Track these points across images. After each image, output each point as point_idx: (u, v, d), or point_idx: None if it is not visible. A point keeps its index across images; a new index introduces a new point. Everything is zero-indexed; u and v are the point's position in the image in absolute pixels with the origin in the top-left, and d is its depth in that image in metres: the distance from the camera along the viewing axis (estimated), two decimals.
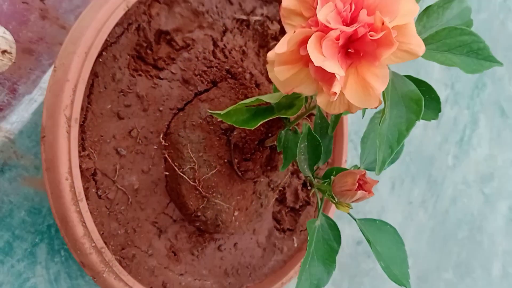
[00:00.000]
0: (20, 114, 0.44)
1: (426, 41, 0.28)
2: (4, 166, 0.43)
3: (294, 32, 0.25)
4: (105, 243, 0.33)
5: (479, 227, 1.12)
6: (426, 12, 0.30)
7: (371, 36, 0.23)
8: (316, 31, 0.24)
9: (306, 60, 0.25)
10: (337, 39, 0.23)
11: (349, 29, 0.23)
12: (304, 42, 0.25)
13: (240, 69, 0.41)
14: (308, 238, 0.30)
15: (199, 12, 0.40)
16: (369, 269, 0.84)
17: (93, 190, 0.34)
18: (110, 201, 0.35)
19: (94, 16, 0.32)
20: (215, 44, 0.41)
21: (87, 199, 0.33)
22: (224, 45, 0.42)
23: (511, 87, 1.22)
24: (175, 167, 0.37)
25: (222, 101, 0.39)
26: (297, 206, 0.48)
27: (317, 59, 0.23)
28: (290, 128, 0.35)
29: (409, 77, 0.28)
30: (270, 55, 0.27)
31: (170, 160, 0.37)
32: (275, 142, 0.38)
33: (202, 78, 0.40)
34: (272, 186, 0.43)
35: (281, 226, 0.48)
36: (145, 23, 0.37)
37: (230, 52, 0.42)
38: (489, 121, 1.14)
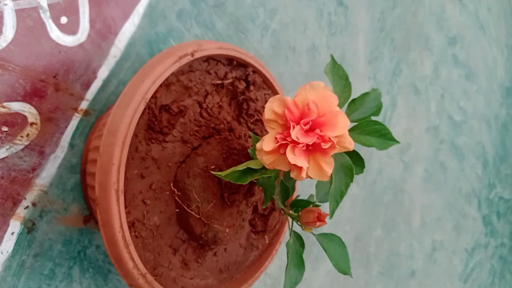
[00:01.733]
0: (49, 170, 0.56)
1: (354, 128, 0.44)
2: (42, 212, 0.55)
3: (276, 138, 0.40)
4: (145, 268, 0.48)
5: (401, 190, 1.32)
6: (353, 101, 0.46)
7: (323, 146, 0.38)
8: (290, 142, 0.39)
9: (284, 153, 0.40)
10: (303, 147, 0.39)
11: (310, 142, 0.38)
12: (282, 145, 0.40)
13: (221, 125, 0.55)
14: (287, 253, 0.47)
15: (188, 86, 0.53)
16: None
17: (133, 234, 0.48)
18: (143, 238, 0.49)
19: (124, 113, 0.45)
20: (200, 106, 0.55)
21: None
22: (207, 105, 0.56)
23: (422, 67, 1.42)
24: (184, 207, 0.51)
25: (213, 153, 0.53)
26: (266, 213, 0.65)
27: (292, 159, 0.39)
28: None
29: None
30: (259, 146, 0.42)
31: (179, 201, 0.51)
32: (253, 180, 0.53)
33: (195, 137, 0.53)
34: (249, 204, 0.59)
35: (256, 229, 0.64)
36: (152, 104, 0.50)
37: (211, 110, 0.56)
38: (405, 100, 1.33)
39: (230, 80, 0.58)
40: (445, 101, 1.46)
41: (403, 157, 1.31)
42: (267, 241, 0.64)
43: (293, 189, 0.51)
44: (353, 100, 0.45)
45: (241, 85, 0.59)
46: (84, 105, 0.59)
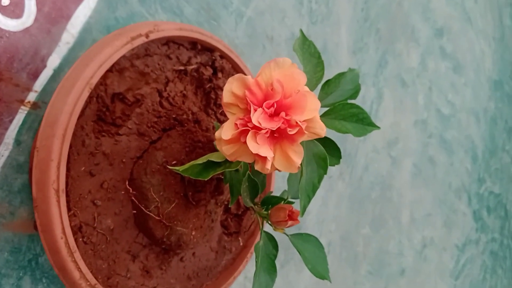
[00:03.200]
0: None
1: (327, 113, 0.38)
2: None
3: (236, 124, 0.34)
4: (96, 278, 0.42)
5: (389, 185, 1.28)
6: (327, 83, 0.40)
7: (289, 132, 0.33)
8: (252, 128, 0.33)
9: (245, 142, 0.35)
10: (266, 133, 0.33)
11: (274, 127, 0.33)
12: (242, 132, 0.34)
13: (184, 116, 0.50)
14: (255, 257, 0.41)
15: (144, 72, 0.47)
16: None
17: (80, 239, 0.42)
18: (93, 244, 0.43)
19: (65, 101, 0.39)
20: (160, 95, 0.49)
21: (77, 248, 0.41)
22: (168, 93, 0.50)
23: (409, 59, 1.38)
24: (142, 208, 0.45)
25: (174, 147, 0.47)
26: (240, 212, 0.59)
27: (253, 148, 0.33)
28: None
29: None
30: (218, 135, 0.36)
31: (136, 202, 0.46)
32: (221, 175, 0.48)
33: (154, 129, 0.48)
34: (219, 203, 0.53)
35: (228, 231, 0.58)
36: (102, 92, 0.44)
37: (173, 99, 0.50)
38: (392, 93, 1.29)
39: (194, 66, 0.52)
40: (433, 94, 1.42)
41: (391, 151, 1.27)
42: (241, 244, 0.59)
43: (264, 185, 0.45)
44: (327, 81, 0.40)
45: (207, 72, 0.53)
46: (32, 97, 0.52)
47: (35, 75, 0.53)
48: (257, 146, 0.33)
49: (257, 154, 0.33)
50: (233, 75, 0.55)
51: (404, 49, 1.32)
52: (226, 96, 0.35)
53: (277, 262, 0.45)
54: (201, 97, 0.54)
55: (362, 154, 1.17)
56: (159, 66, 0.49)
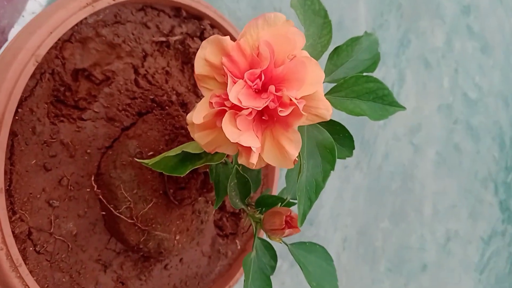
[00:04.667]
0: None
1: (335, 89, 0.29)
2: None
3: (211, 103, 0.25)
4: None
5: (411, 176, 1.20)
6: (336, 51, 0.31)
7: (280, 113, 0.24)
8: (229, 108, 0.24)
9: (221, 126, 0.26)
10: (250, 114, 0.24)
11: (260, 106, 0.24)
12: (219, 113, 0.25)
13: (164, 97, 0.41)
14: (244, 274, 0.33)
15: (115, 44, 0.39)
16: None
17: (31, 248, 0.34)
18: (50, 253, 0.35)
19: (4, 78, 0.31)
20: (136, 72, 0.41)
21: (25, 259, 0.33)
22: (146, 70, 0.41)
23: (434, 39, 1.28)
24: (111, 209, 0.37)
25: (151, 134, 0.39)
26: (237, 211, 0.50)
27: (232, 136, 0.24)
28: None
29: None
30: (189, 118, 0.28)
31: (105, 202, 0.37)
32: (208, 169, 0.39)
33: (127, 112, 0.39)
34: (210, 201, 0.45)
35: (224, 232, 0.50)
36: (59, 67, 0.36)
37: (153, 76, 0.42)
38: (415, 75, 1.20)
39: (178, 37, 0.43)
40: (459, 77, 1.33)
41: (413, 139, 1.19)
42: (238, 247, 0.50)
43: (258, 181, 0.37)
44: (337, 49, 0.31)
45: (195, 44, 0.44)
46: None
47: None
48: (237, 132, 0.24)
49: (238, 144, 0.24)
50: None
51: (428, 27, 1.23)
52: (199, 66, 0.26)
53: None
54: (189, 75, 0.45)
55: (382, 142, 1.09)
56: (133, 36, 0.40)
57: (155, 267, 0.44)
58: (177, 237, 0.41)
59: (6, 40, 0.46)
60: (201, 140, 0.27)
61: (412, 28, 1.18)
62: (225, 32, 0.46)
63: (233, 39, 0.46)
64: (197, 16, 0.44)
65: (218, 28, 0.46)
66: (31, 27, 0.33)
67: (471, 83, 1.39)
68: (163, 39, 0.42)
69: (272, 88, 0.24)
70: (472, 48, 1.41)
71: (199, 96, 0.46)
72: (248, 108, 0.24)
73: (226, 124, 0.24)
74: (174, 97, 0.43)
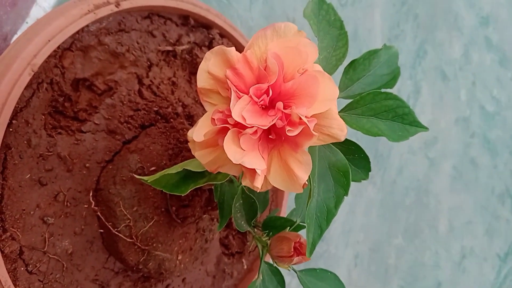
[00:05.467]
0: None
1: (351, 106, 0.27)
2: None
3: (213, 119, 0.23)
4: None
5: (425, 190, 1.17)
6: (352, 65, 0.29)
7: (289, 132, 0.22)
8: (233, 125, 0.22)
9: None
10: (255, 133, 0.22)
11: (266, 125, 0.22)
12: (222, 131, 0.23)
13: (169, 109, 0.39)
14: None
15: (118, 52, 0.37)
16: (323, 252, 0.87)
17: (22, 268, 0.32)
18: (43, 273, 0.33)
19: None
20: (140, 82, 0.39)
21: (15, 280, 0.31)
22: (151, 80, 0.39)
23: (451, 50, 1.25)
24: (109, 226, 0.35)
25: (153, 149, 0.37)
26: None
27: (235, 156, 0.22)
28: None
29: None
30: (189, 134, 0.26)
31: (103, 219, 0.35)
32: (212, 186, 0.37)
33: (129, 125, 0.37)
34: (215, 218, 0.43)
35: (230, 251, 0.47)
36: (58, 76, 0.34)
37: (158, 87, 0.40)
38: (431, 87, 1.18)
39: (186, 47, 0.41)
40: (477, 89, 1.30)
41: (428, 152, 1.16)
42: (245, 267, 0.48)
43: (266, 202, 0.34)
44: (353, 62, 0.28)
45: (203, 54, 0.42)
46: None
47: None
48: (241, 152, 0.22)
49: (241, 165, 0.22)
50: None
51: (445, 38, 1.20)
52: (202, 79, 0.24)
53: None
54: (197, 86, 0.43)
55: (396, 155, 1.06)
56: (138, 45, 0.38)
57: None
58: (179, 257, 0.39)
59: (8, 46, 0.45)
60: (203, 159, 0.25)
61: (429, 39, 1.16)
62: (235, 42, 0.44)
63: (241, 48, 0.44)
64: (206, 25, 0.42)
65: (227, 37, 0.44)
66: (28, 35, 0.31)
67: (488, 96, 1.37)
68: (170, 48, 0.40)
69: (280, 105, 0.22)
70: (491, 60, 1.39)
71: None
72: (253, 127, 0.22)
73: (229, 143, 0.22)
74: (180, 109, 0.41)
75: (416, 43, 1.11)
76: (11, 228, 0.31)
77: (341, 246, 0.93)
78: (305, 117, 0.21)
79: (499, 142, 1.41)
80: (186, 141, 0.38)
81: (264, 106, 0.23)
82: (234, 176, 0.35)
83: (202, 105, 0.44)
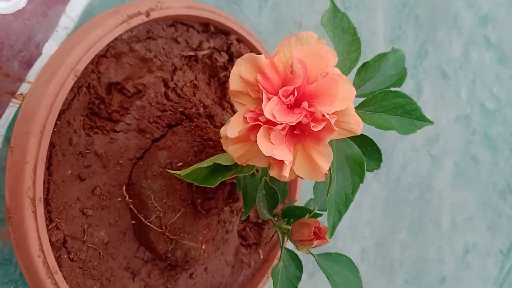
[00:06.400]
0: None
1: (364, 103, 0.30)
2: None
3: (245, 118, 0.26)
4: None
5: (428, 187, 1.20)
6: (364, 67, 0.32)
7: (313, 128, 0.25)
8: (264, 123, 0.25)
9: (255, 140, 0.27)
10: (283, 129, 0.25)
11: (294, 122, 0.25)
12: (253, 128, 0.27)
13: (193, 110, 0.42)
14: (273, 283, 0.33)
15: (147, 58, 0.40)
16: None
17: (65, 256, 0.35)
18: (83, 261, 0.36)
19: (44, 92, 0.32)
20: (166, 85, 0.42)
21: (60, 267, 0.34)
22: (175, 83, 0.43)
23: (451, 49, 1.28)
24: (141, 218, 0.38)
25: (180, 146, 0.40)
26: (260, 221, 0.51)
27: (266, 149, 0.25)
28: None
29: None
30: (223, 131, 0.29)
31: (135, 211, 0.39)
32: (235, 180, 0.40)
33: (157, 124, 0.41)
34: (235, 211, 0.46)
35: (247, 242, 0.51)
36: (94, 80, 0.37)
37: (182, 90, 0.43)
38: (432, 86, 1.20)
39: (206, 52, 0.44)
40: (477, 87, 1.32)
41: (431, 150, 1.18)
42: (261, 257, 0.51)
43: (285, 193, 0.37)
44: (365, 64, 0.32)
45: (222, 58, 0.46)
46: (24, 88, 0.46)
47: (28, 64, 0.47)
48: (271, 146, 0.25)
49: (271, 157, 0.25)
50: None
51: (445, 38, 1.23)
52: (234, 82, 0.27)
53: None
54: (215, 88, 0.47)
55: (400, 153, 1.08)
56: (164, 51, 0.42)
57: (181, 276, 0.45)
58: (203, 246, 0.42)
59: (41, 54, 0.48)
60: (235, 153, 0.28)
61: (430, 39, 1.18)
62: (250, 47, 0.47)
63: (258, 52, 0.47)
64: (224, 31, 0.46)
65: (244, 42, 0.47)
66: (69, 43, 0.34)
67: (488, 94, 1.38)
68: (192, 53, 0.44)
69: (305, 104, 0.25)
70: (490, 58, 1.40)
71: (224, 108, 0.48)
72: (282, 123, 0.25)
73: (261, 138, 0.25)
74: (201, 110, 0.44)
75: (417, 43, 1.13)
76: (56, 219, 0.34)
77: (348, 241, 0.96)
78: (328, 114, 0.25)
79: (499, 139, 1.42)
80: (209, 139, 0.42)
81: (290, 105, 0.26)
82: (255, 172, 0.39)
83: (220, 106, 0.47)
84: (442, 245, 1.26)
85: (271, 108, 0.25)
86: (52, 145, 0.34)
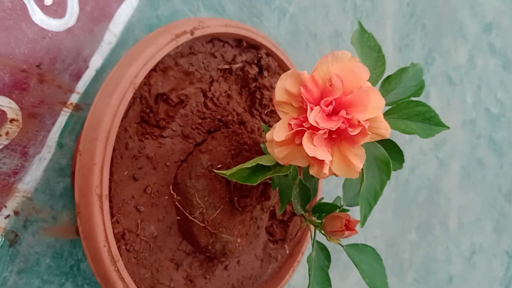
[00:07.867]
0: (33, 174, 0.49)
1: (389, 111, 0.35)
2: (26, 222, 0.48)
3: (290, 124, 0.31)
4: None
5: (436, 189, 1.23)
6: (387, 79, 0.37)
7: (351, 132, 0.29)
8: (308, 128, 0.30)
9: (300, 144, 0.32)
10: (325, 135, 0.30)
11: (334, 127, 0.30)
12: (297, 133, 0.31)
13: (229, 117, 0.47)
14: (308, 270, 0.38)
15: (189, 71, 0.45)
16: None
17: (124, 247, 0.40)
18: (136, 252, 0.41)
19: (108, 103, 0.37)
20: (205, 95, 0.47)
21: (120, 256, 0.39)
22: (213, 94, 0.47)
23: (456, 56, 1.32)
24: (186, 214, 0.43)
25: (219, 149, 0.45)
26: (285, 218, 0.56)
27: (310, 151, 0.30)
28: None
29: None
30: (269, 136, 0.33)
31: (181, 207, 0.43)
32: (268, 180, 0.45)
33: (198, 131, 0.45)
34: (265, 209, 0.50)
35: (274, 238, 0.55)
36: (146, 92, 0.42)
37: (218, 99, 0.48)
38: (439, 92, 1.24)
39: (239, 65, 0.49)
40: (482, 93, 1.36)
41: (438, 153, 1.22)
42: (287, 251, 0.56)
43: (315, 191, 0.42)
44: (388, 77, 0.36)
45: (253, 70, 0.50)
46: (74, 98, 0.51)
47: (77, 76, 0.52)
48: (314, 148, 0.30)
49: (313, 158, 0.30)
50: (279, 73, 0.52)
51: (451, 45, 1.27)
52: (279, 94, 0.32)
53: None
54: (246, 97, 0.51)
55: (408, 156, 1.12)
56: (203, 65, 0.46)
57: (217, 268, 0.49)
58: (238, 240, 0.47)
59: (88, 67, 0.53)
60: (279, 154, 0.32)
61: (436, 47, 1.22)
62: (277, 59, 0.52)
63: (283, 64, 0.52)
64: (255, 46, 0.50)
65: (272, 56, 0.52)
66: (128, 59, 0.39)
67: (493, 99, 1.42)
68: (227, 66, 0.49)
69: (343, 112, 0.30)
70: (494, 65, 1.44)
71: (254, 116, 0.52)
72: (324, 129, 0.30)
73: (306, 142, 0.30)
74: (235, 117, 0.49)
75: (424, 51, 1.17)
76: (116, 214, 0.39)
77: (360, 241, 1.00)
78: (362, 121, 0.29)
79: (504, 142, 1.46)
80: (245, 143, 0.46)
81: (328, 114, 0.31)
82: (287, 174, 0.43)
83: (250, 113, 0.52)
84: (449, 245, 1.28)
85: (314, 116, 0.30)
86: (113, 149, 0.39)
